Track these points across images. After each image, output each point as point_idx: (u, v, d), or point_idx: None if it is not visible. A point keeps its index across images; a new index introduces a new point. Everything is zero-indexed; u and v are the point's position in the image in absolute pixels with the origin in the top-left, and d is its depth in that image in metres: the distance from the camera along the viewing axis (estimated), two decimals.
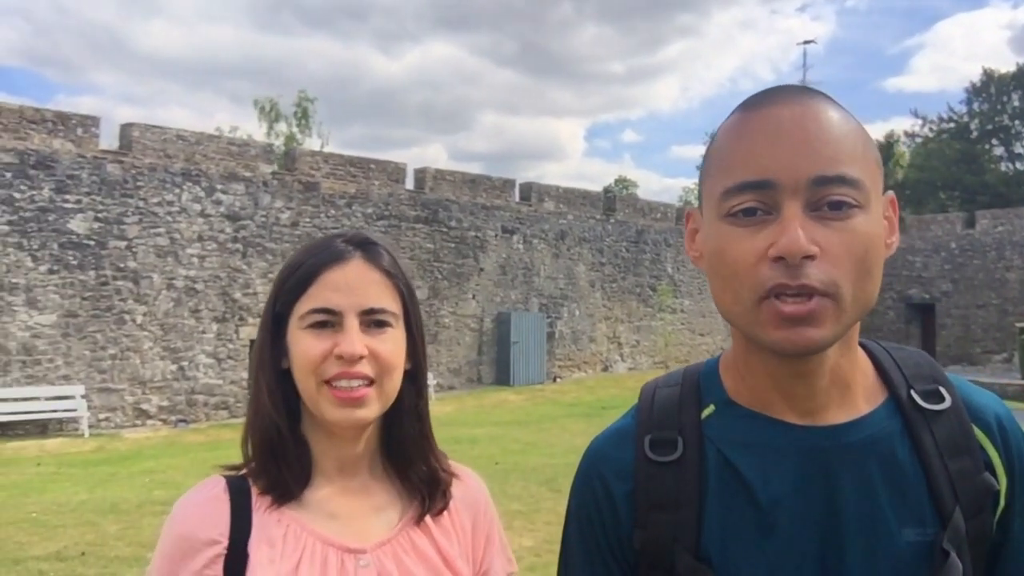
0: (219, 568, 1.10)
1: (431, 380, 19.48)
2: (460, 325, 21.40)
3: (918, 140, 45.66)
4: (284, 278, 1.20)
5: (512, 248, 22.76)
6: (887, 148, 47.07)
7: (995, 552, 1.00)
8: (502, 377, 21.90)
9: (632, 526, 1.03)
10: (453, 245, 21.36)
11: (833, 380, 0.98)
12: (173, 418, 16.33)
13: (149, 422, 16.04)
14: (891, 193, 1.02)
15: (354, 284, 1.16)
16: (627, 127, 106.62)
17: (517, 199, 23.30)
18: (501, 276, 22.45)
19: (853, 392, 1.00)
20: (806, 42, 38.57)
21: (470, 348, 21.67)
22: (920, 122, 45.22)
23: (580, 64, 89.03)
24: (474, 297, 21.76)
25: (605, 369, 25.02)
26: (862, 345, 1.06)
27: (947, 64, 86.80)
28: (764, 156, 0.91)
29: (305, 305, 1.16)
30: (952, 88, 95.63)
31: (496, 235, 22.39)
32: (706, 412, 1.05)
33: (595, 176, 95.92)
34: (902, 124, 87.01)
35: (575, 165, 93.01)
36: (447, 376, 20.89)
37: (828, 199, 0.90)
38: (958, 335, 29.86)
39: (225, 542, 1.11)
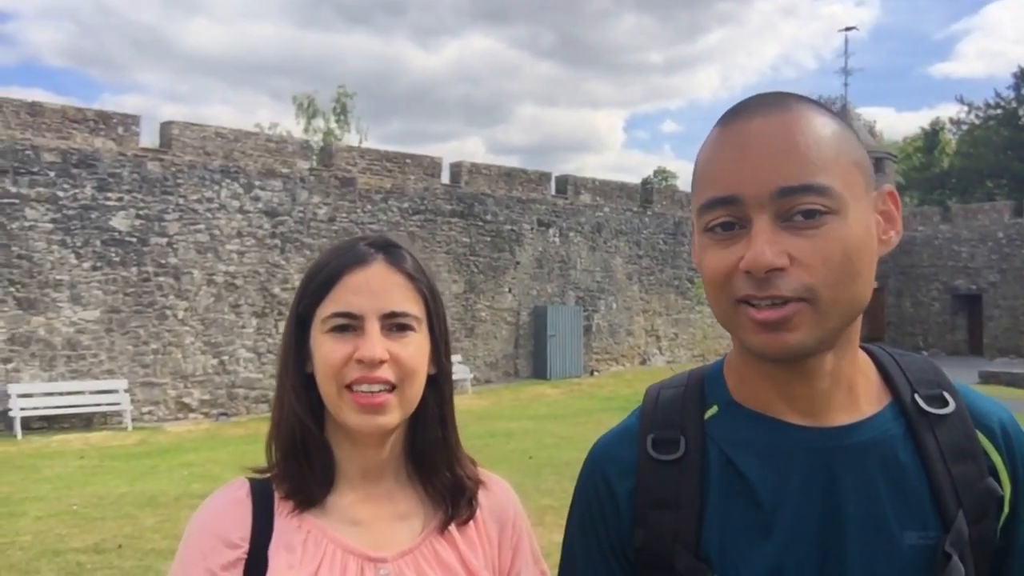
0: (238, 573, 1.09)
1: (467, 374, 19.56)
2: (496, 319, 21.43)
3: (964, 127, 44.65)
4: (307, 281, 1.19)
5: (548, 241, 22.72)
6: (932, 136, 46.15)
7: (999, 559, 1.00)
8: (539, 371, 21.90)
9: (633, 524, 1.04)
10: (489, 239, 21.38)
11: (835, 382, 0.98)
12: (214, 411, 16.59)
13: (191, 415, 16.31)
14: (888, 186, 1.01)
15: (376, 287, 1.15)
16: (667, 117, 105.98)
17: (553, 192, 23.25)
18: (537, 269, 22.43)
19: (856, 394, 1.01)
20: (847, 29, 37.61)
21: (506, 342, 21.69)
22: (966, 109, 44.23)
23: (619, 55, 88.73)
24: (510, 291, 21.77)
25: (643, 363, 24.89)
26: (867, 350, 1.06)
27: (995, 48, 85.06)
28: (730, 172, 0.94)
29: (327, 308, 1.15)
30: (1001, 73, 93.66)
31: (532, 228, 22.36)
32: (709, 412, 1.06)
33: (634, 167, 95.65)
34: (948, 111, 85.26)
35: (614, 157, 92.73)
36: (484, 370, 20.93)
37: (798, 209, 0.91)
38: (1006, 326, 29.19)
39: (246, 547, 1.10)
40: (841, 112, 35.36)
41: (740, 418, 1.03)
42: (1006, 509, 0.99)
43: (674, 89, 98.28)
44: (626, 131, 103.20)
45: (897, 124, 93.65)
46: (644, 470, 1.04)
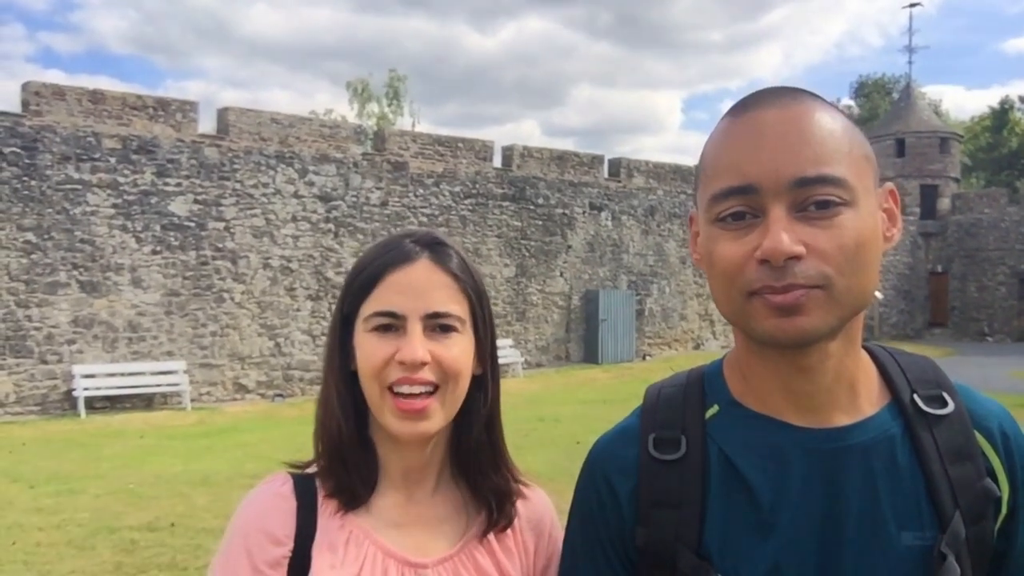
0: (283, 571, 1.09)
1: (519, 357, 19.59)
2: (548, 303, 21.42)
3: None
4: (352, 278, 1.17)
5: (600, 225, 22.60)
6: (1001, 115, 44.63)
7: (998, 560, 1.00)
8: (590, 355, 21.86)
9: (635, 524, 1.04)
10: (540, 223, 21.35)
11: (837, 379, 0.99)
12: (270, 393, 16.92)
13: (248, 396, 16.67)
14: (889, 185, 1.02)
15: (419, 287, 1.13)
16: (727, 97, 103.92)
17: (606, 175, 23.09)
18: (589, 253, 22.34)
19: (857, 394, 1.01)
20: (911, 4, 36.41)
21: (558, 326, 21.68)
22: None
23: (678, 34, 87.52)
24: (562, 275, 21.73)
25: (697, 347, 24.67)
26: (868, 349, 1.07)
27: None
28: (746, 161, 0.94)
29: (370, 307, 1.13)
30: None
31: (584, 212, 22.26)
32: (710, 412, 1.06)
33: (693, 149, 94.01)
34: (1020, 88, 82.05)
35: (672, 138, 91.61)
36: (535, 354, 20.97)
37: (813, 199, 0.91)
38: None
39: (291, 544, 1.10)
40: (904, 91, 34.31)
41: (741, 418, 1.03)
42: (1004, 510, 0.99)
43: (734, 68, 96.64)
44: (684, 112, 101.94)
45: (967, 103, 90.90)
46: (645, 470, 1.05)
